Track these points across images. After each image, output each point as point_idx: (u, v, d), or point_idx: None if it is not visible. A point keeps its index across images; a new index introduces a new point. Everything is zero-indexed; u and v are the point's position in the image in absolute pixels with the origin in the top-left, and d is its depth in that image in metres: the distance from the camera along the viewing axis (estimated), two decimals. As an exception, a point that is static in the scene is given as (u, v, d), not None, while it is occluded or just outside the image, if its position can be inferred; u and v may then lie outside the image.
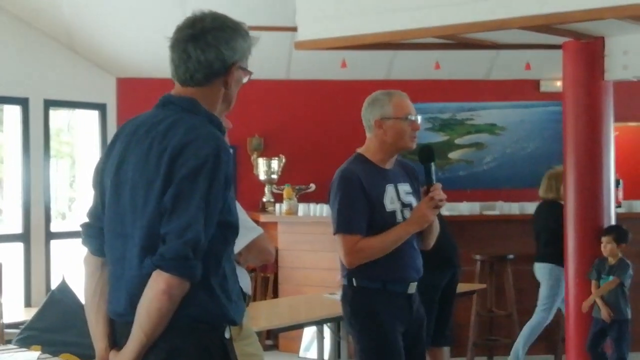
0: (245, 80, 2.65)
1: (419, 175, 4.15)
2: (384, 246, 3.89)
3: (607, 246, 6.64)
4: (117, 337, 2.55)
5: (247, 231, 2.57)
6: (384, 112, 4.02)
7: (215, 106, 2.59)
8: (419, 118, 4.10)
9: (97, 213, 2.61)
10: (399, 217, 3.97)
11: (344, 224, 3.92)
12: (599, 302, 6.59)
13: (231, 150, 2.55)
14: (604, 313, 6.55)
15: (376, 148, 4.05)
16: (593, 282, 6.70)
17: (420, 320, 4.07)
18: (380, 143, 4.03)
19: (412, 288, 4.00)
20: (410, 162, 4.22)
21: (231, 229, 2.54)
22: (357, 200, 3.90)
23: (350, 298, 3.99)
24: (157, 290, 2.38)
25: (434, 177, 3.91)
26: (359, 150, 4.12)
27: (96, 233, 2.61)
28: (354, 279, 3.96)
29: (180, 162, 2.42)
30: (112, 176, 2.56)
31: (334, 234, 3.96)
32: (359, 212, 3.90)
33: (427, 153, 3.95)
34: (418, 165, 4.02)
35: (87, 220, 2.66)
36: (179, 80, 2.59)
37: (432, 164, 3.92)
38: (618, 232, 6.70)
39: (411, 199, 4.03)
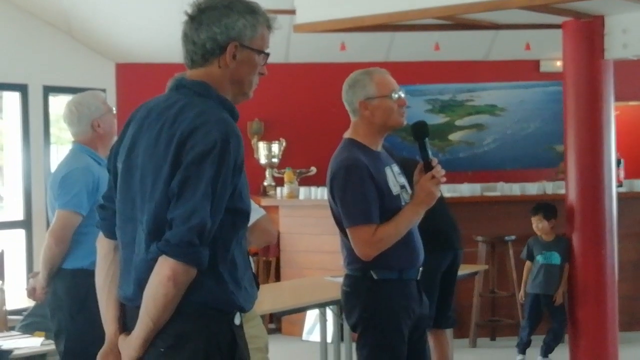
0: (260, 60, 2.59)
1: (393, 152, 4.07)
2: (399, 232, 3.76)
3: (538, 225, 7.24)
4: (127, 321, 2.55)
5: (251, 212, 2.57)
6: (367, 92, 3.85)
7: (223, 88, 2.55)
8: (402, 93, 3.89)
9: (111, 196, 2.61)
10: (402, 200, 3.85)
11: (360, 215, 3.74)
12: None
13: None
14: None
15: (366, 131, 3.88)
16: (527, 263, 7.31)
17: (427, 312, 4.01)
18: (368, 125, 3.87)
19: (420, 273, 3.95)
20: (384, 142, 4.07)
21: (241, 215, 2.51)
22: (369, 189, 3.74)
23: (365, 292, 3.82)
24: (163, 276, 2.37)
25: (429, 152, 3.76)
26: (348, 135, 3.94)
27: (110, 216, 2.61)
28: (372, 272, 3.79)
29: (188, 147, 2.40)
30: (123, 160, 2.55)
31: (348, 226, 3.77)
32: (372, 201, 3.74)
33: (420, 129, 3.78)
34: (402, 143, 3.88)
35: (102, 202, 2.66)
36: (185, 63, 2.58)
37: (427, 139, 3.77)
38: (545, 209, 7.21)
39: (403, 180, 3.92)
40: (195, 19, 2.52)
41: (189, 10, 2.53)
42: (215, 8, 2.51)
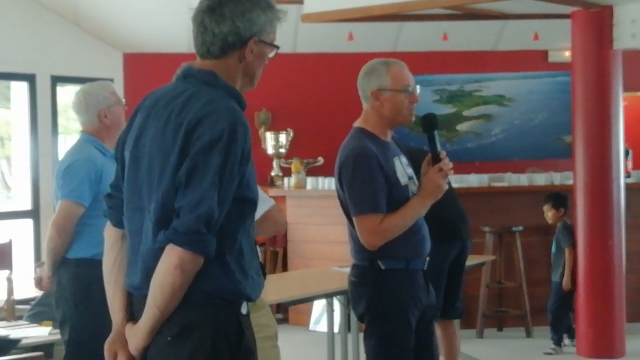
0: (271, 54, 2.61)
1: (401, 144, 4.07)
2: (405, 223, 3.76)
3: (547, 214, 7.30)
4: (134, 310, 2.55)
5: (260, 202, 2.57)
6: (382, 83, 3.84)
7: (235, 80, 2.56)
8: (418, 89, 3.90)
9: (119, 185, 2.62)
10: (409, 190, 3.85)
11: (367, 204, 3.75)
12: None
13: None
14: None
15: (375, 121, 3.88)
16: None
17: (433, 302, 4.02)
18: (378, 116, 3.87)
19: (426, 263, 3.96)
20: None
21: (248, 204, 2.52)
22: (377, 178, 3.74)
23: (372, 282, 3.83)
24: (170, 265, 2.37)
25: (438, 145, 3.76)
26: (358, 124, 3.94)
27: (117, 205, 2.61)
28: (379, 261, 3.80)
29: (195, 135, 2.41)
30: (131, 149, 2.55)
31: (355, 215, 3.78)
32: (380, 190, 3.74)
33: (430, 121, 3.78)
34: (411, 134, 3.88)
35: (109, 191, 2.67)
36: (198, 53, 2.58)
37: (436, 131, 3.77)
38: (554, 198, 7.25)
39: (411, 171, 3.92)
40: (216, 11, 2.51)
41: (208, 1, 2.53)
42: (239, 2, 2.52)
